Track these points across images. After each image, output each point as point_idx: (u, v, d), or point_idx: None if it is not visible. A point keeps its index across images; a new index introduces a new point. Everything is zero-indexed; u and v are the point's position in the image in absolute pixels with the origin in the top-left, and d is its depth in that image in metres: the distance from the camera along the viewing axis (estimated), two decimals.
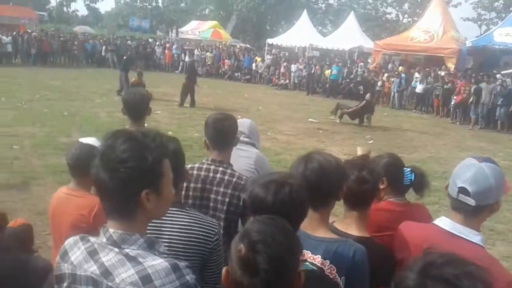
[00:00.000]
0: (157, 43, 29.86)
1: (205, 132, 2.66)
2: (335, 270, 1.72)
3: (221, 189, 2.52)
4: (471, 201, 1.72)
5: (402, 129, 14.33)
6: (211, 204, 2.55)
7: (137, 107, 3.30)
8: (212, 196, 2.54)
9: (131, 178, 1.28)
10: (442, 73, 18.86)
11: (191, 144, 9.39)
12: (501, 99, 15.51)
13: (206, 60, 27.49)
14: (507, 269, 1.77)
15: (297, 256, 1.25)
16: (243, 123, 3.27)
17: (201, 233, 1.94)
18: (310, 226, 1.78)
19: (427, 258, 1.11)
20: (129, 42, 28.42)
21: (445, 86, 17.66)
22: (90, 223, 2.27)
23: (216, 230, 1.98)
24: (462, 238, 1.73)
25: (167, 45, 29.41)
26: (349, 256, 1.72)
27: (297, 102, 18.83)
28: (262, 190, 1.54)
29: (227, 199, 2.52)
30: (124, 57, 17.66)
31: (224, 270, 1.29)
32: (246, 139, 3.23)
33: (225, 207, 2.50)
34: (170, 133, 10.54)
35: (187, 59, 27.70)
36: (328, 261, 1.74)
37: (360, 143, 11.51)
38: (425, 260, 1.11)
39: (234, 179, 2.54)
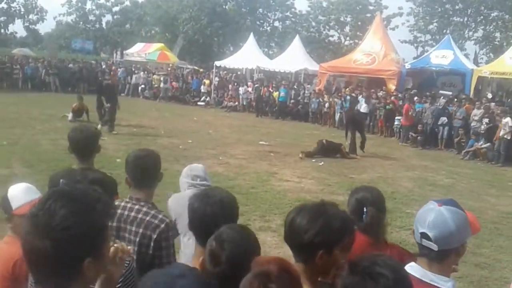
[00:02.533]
0: (103, 66, 29.09)
1: (126, 170, 2.62)
2: None
3: (133, 228, 2.47)
4: (434, 246, 1.71)
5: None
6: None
7: (86, 145, 3.09)
8: (126, 235, 2.47)
9: (75, 247, 1.16)
10: (381, 93, 19.60)
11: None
12: (444, 119, 16.29)
13: (153, 83, 27.11)
14: None
15: (252, 257, 1.50)
16: (197, 167, 3.41)
17: None
18: None
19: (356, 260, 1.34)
20: (70, 65, 27.49)
21: (387, 107, 18.35)
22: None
23: (128, 262, 1.95)
24: (433, 285, 1.71)
25: (113, 67, 28.75)
26: None
27: (247, 124, 18.89)
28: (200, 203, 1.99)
29: (137, 239, 2.44)
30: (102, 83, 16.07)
31: (201, 259, 1.65)
32: (204, 182, 3.29)
33: (136, 248, 2.41)
34: (118, 160, 10.17)
35: (133, 81, 27.23)
36: None
37: (312, 166, 11.68)
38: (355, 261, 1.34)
39: (148, 218, 2.47)
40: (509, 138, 13.90)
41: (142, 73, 27.78)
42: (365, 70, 22.46)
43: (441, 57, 21.85)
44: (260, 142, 14.34)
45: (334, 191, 9.08)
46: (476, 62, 32.33)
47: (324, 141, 13.23)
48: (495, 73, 20.25)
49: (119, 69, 28.33)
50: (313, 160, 12.26)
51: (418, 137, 16.30)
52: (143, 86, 27.16)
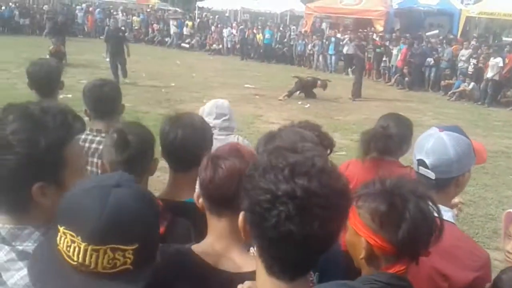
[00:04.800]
0: (78, 7, 27.77)
1: (84, 101, 2.48)
2: None
3: (95, 160, 2.35)
4: (431, 174, 1.56)
5: (337, 92, 14.42)
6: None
7: (46, 81, 2.84)
8: (88, 168, 2.35)
9: (17, 168, 1.05)
10: (374, 36, 19.09)
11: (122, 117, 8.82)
12: (431, 61, 16.08)
13: (133, 25, 26.08)
14: (482, 249, 1.64)
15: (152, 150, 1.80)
16: (223, 104, 3.00)
17: None
18: None
19: (387, 183, 1.27)
20: (45, 6, 26.18)
21: (377, 50, 17.94)
22: None
23: None
24: None
25: (90, 9, 27.49)
26: None
27: (232, 67, 18.41)
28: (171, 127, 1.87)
29: (100, 171, 2.27)
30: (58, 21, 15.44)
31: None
32: (227, 124, 2.94)
33: None
34: None
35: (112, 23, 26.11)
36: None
37: (298, 108, 11.50)
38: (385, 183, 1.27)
39: None
40: (497, 78, 13.83)
41: (120, 14, 26.61)
42: (352, 10, 21.86)
43: None
44: (246, 85, 14.03)
45: None
46: (463, 2, 31.67)
47: (298, 78, 13.11)
48: (484, 13, 19.88)
49: (96, 10, 27.08)
50: (299, 103, 12.07)
51: (405, 79, 16.10)
52: (123, 28, 26.07)
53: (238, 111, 10.50)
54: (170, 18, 25.78)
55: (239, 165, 1.26)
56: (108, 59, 13.50)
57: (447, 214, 1.57)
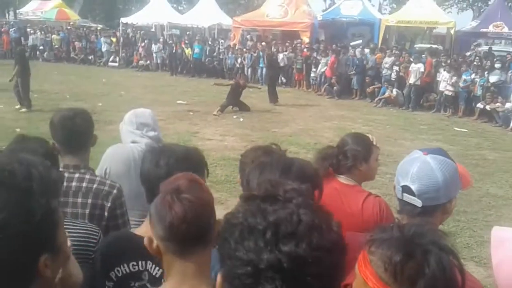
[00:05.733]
0: None
1: (52, 134, 2.20)
2: None
3: (79, 200, 2.09)
4: (418, 202, 1.44)
5: (269, 104, 14.49)
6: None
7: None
8: (69, 210, 2.07)
9: (18, 248, 0.88)
10: (302, 47, 19.49)
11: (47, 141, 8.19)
12: (355, 69, 16.68)
13: (53, 44, 24.76)
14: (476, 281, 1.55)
15: None
16: (144, 113, 2.76)
17: (81, 242, 1.72)
18: None
19: (403, 228, 1.07)
20: None
21: (307, 61, 18.22)
22: None
23: (97, 238, 1.80)
24: None
25: (3, 29, 25.75)
26: None
27: (162, 84, 17.92)
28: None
29: (87, 211, 2.08)
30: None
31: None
32: (152, 133, 2.71)
33: (86, 221, 2.04)
34: (18, 130, 9.11)
35: (30, 43, 24.65)
36: None
37: (233, 122, 11.37)
38: (404, 230, 1.06)
39: (95, 186, 2.12)
40: (418, 83, 14.59)
41: (39, 33, 25.18)
42: (279, 23, 22.22)
43: (350, 7, 22.26)
44: (178, 102, 13.69)
45: None
46: (380, 12, 33.48)
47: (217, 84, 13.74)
48: (401, 21, 21.07)
49: (11, 30, 25.42)
50: (234, 117, 11.95)
51: (334, 88, 16.55)
52: (41, 47, 24.73)
53: (173, 129, 10.21)
54: (103, 36, 24.73)
55: (205, 196, 1.23)
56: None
57: None
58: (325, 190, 2.26)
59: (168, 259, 1.20)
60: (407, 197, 1.47)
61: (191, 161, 1.72)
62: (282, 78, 18.67)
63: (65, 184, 2.07)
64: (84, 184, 2.12)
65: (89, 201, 2.10)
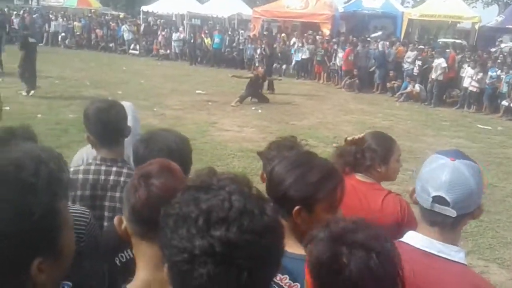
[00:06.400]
0: (15, 12, 26.20)
1: (87, 127, 2.13)
2: None
3: (117, 194, 2.04)
4: (452, 212, 1.34)
5: (289, 96, 14.37)
6: (106, 214, 2.05)
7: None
8: (106, 203, 2.06)
9: (10, 251, 0.82)
10: (323, 38, 19.22)
11: (66, 128, 8.28)
12: (375, 62, 16.40)
13: (75, 31, 24.95)
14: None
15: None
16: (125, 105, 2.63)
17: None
18: None
19: (336, 226, 1.09)
20: None
21: (324, 53, 18.01)
22: None
23: (87, 220, 1.76)
24: (442, 257, 1.36)
25: (26, 15, 26.00)
26: None
27: (182, 73, 17.94)
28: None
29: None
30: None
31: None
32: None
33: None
34: (39, 116, 9.23)
35: (52, 29, 24.88)
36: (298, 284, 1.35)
37: (252, 114, 11.30)
38: (335, 228, 1.09)
39: None
40: (441, 79, 14.28)
41: (60, 20, 25.38)
42: (299, 14, 22.02)
43: (372, 0, 21.92)
44: (197, 91, 13.67)
45: None
46: (403, 5, 32.88)
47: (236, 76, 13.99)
48: (424, 15, 20.64)
49: (34, 16, 25.70)
50: (253, 108, 11.88)
51: (356, 81, 16.31)
52: (63, 34, 24.95)
53: (191, 119, 10.20)
54: (126, 23, 24.74)
55: (173, 183, 1.21)
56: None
57: (458, 255, 1.37)
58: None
59: (135, 242, 1.25)
60: (439, 208, 1.35)
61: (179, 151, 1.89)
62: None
63: (103, 177, 2.08)
64: (122, 179, 2.08)
65: None
